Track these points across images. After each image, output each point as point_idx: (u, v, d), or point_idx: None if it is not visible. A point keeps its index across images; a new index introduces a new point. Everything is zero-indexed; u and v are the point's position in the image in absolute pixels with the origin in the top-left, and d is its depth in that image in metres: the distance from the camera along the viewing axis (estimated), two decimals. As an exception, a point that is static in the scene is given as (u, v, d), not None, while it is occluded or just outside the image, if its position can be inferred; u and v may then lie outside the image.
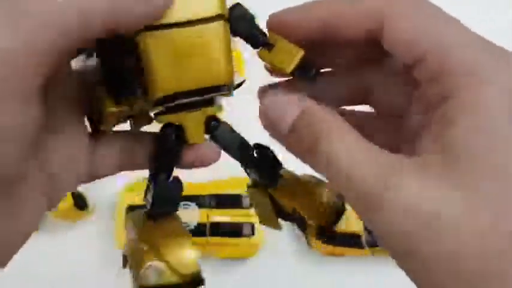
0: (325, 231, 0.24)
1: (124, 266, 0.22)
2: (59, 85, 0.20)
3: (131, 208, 0.54)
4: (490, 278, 0.16)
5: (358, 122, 0.21)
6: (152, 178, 0.22)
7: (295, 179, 0.25)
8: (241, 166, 0.24)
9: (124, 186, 0.56)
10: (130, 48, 0.19)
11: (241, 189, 0.55)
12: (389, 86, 0.22)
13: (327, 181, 0.21)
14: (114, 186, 0.56)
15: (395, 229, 0.18)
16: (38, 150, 0.20)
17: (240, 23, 0.20)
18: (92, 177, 0.23)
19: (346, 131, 0.19)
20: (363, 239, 0.56)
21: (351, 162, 0.18)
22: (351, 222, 0.56)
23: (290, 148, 0.20)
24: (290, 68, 0.20)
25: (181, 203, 0.55)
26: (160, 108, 0.20)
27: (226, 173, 0.56)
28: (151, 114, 0.22)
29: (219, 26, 0.19)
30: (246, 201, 0.55)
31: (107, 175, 0.23)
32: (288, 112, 0.20)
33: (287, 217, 0.25)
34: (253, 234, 0.55)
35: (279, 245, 0.58)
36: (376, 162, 0.18)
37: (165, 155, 0.22)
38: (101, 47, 0.18)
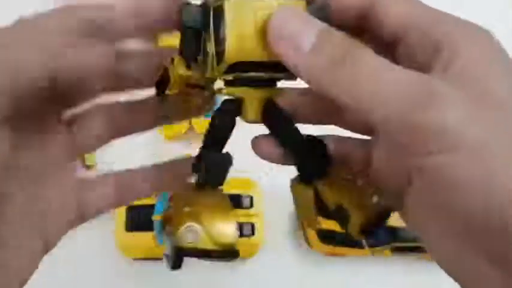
0: (368, 231, 0.24)
1: (163, 227, 0.23)
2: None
3: (130, 208, 0.54)
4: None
5: None
6: (204, 151, 0.23)
7: (343, 176, 0.24)
8: (291, 154, 0.24)
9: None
10: (213, 12, 0.20)
11: (241, 189, 0.55)
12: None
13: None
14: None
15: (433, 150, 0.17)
16: (27, 193, 0.21)
17: (318, 11, 0.21)
18: (84, 219, 0.24)
19: (369, 50, 0.19)
20: (363, 239, 0.56)
21: (385, 78, 0.18)
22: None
23: (310, 68, 0.19)
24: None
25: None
26: (229, 77, 0.21)
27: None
28: (219, 83, 0.23)
29: (298, 5, 0.20)
30: (246, 201, 0.55)
31: (99, 214, 0.24)
32: (308, 29, 0.19)
33: (328, 214, 0.25)
34: (253, 234, 0.55)
35: (279, 245, 0.58)
36: (412, 81, 0.18)
37: (221, 129, 0.23)
38: (185, 11, 0.20)
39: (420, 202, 0.22)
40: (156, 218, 0.52)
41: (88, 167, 0.54)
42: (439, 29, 0.20)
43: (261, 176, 0.56)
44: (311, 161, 0.24)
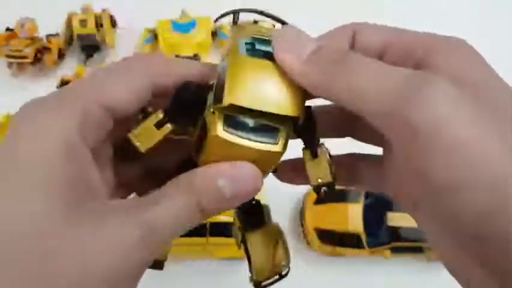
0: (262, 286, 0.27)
1: None
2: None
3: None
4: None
5: None
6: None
7: (269, 231, 0.27)
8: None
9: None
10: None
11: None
12: None
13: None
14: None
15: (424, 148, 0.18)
16: None
17: (305, 135, 0.23)
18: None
19: (361, 55, 0.20)
20: (363, 239, 0.56)
21: (375, 79, 0.19)
22: (351, 222, 0.56)
23: (306, 75, 0.20)
24: (312, 183, 0.24)
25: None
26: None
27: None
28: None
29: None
30: (246, 201, 0.55)
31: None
32: (307, 42, 0.21)
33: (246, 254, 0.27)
34: (253, 234, 0.55)
35: (279, 245, 0.58)
36: (399, 78, 0.18)
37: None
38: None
39: (425, 212, 0.22)
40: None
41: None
42: (418, 49, 0.21)
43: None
44: (249, 217, 0.27)
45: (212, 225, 0.55)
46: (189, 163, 0.22)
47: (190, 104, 0.22)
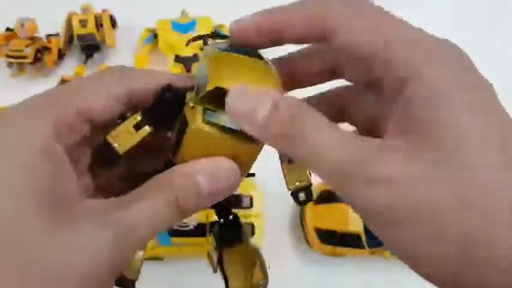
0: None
1: None
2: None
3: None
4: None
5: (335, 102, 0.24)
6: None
7: (247, 252, 0.28)
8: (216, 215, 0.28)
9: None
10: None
11: (241, 189, 0.55)
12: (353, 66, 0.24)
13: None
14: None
15: (374, 203, 0.18)
16: None
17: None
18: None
19: (319, 116, 0.20)
20: (363, 239, 0.56)
21: (327, 144, 0.19)
22: (352, 222, 0.56)
23: (266, 138, 0.20)
24: (290, 187, 0.24)
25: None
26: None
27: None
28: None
29: (271, 82, 0.21)
30: (245, 201, 0.55)
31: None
32: (260, 105, 0.20)
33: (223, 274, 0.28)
34: (253, 234, 0.55)
35: (279, 245, 0.58)
36: (353, 146, 0.19)
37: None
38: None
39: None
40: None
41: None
42: (399, 61, 0.20)
43: (261, 176, 0.56)
44: (227, 232, 0.27)
45: (212, 224, 0.55)
46: (170, 167, 0.22)
47: (169, 106, 0.22)
